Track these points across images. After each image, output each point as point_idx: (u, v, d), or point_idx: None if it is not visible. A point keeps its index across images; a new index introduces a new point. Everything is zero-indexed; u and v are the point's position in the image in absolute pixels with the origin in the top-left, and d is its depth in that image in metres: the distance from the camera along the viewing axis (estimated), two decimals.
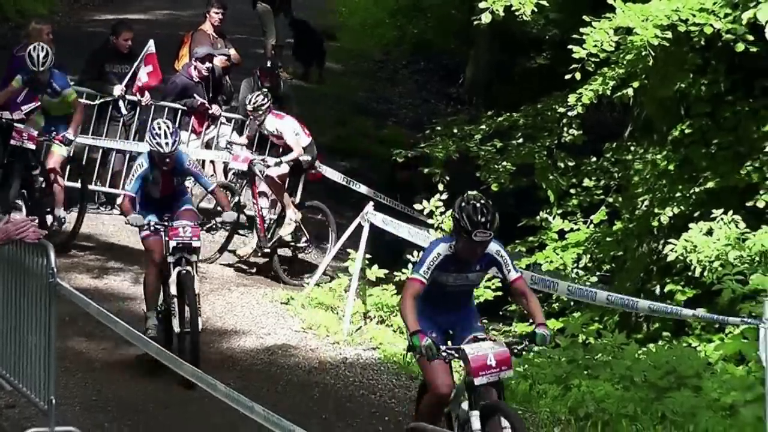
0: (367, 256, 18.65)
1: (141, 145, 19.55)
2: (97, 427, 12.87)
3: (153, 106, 22.10)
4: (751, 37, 17.26)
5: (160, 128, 13.34)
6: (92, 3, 35.84)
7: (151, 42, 22.60)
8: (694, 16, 17.58)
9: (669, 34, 17.86)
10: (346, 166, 21.97)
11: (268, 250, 20.54)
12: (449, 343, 10.07)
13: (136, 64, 21.93)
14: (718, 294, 16.91)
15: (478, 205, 9.50)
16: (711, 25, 17.39)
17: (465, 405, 9.68)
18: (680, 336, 17.67)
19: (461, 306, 10.49)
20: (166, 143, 13.11)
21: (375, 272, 18.86)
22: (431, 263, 9.63)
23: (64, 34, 24.53)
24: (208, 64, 22.43)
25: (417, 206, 20.70)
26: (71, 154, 20.56)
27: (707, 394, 14.51)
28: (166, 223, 13.53)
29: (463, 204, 9.48)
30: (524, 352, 10.68)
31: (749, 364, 15.32)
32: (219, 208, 16.68)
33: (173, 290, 13.33)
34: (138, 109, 22.14)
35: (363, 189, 21.14)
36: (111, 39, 22.50)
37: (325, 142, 22.03)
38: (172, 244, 13.48)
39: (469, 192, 9.93)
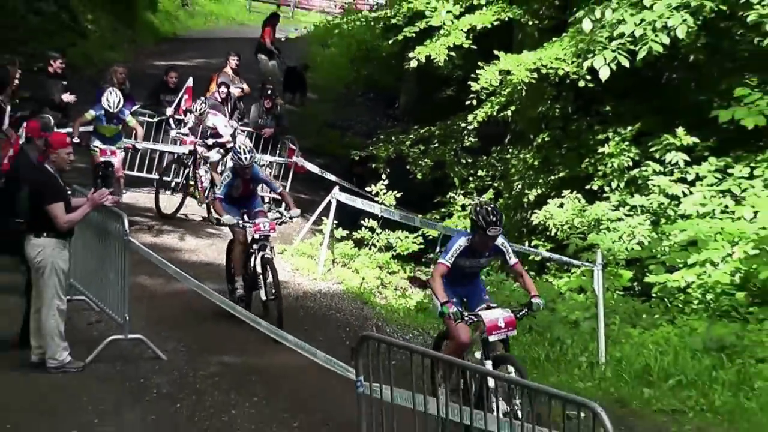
0: (334, 221, 20.39)
1: (183, 148, 23.17)
2: (157, 335, 14.49)
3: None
4: (589, 77, 19.30)
5: (241, 148, 15.27)
6: (152, 53, 37.90)
7: (190, 79, 25.01)
8: (551, 62, 19.65)
9: (535, 75, 19.85)
10: (320, 162, 23.25)
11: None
12: (463, 307, 11.09)
13: (180, 94, 23.96)
14: (566, 247, 18.80)
15: (489, 208, 10.93)
16: (563, 69, 19.56)
17: (478, 355, 10.82)
18: (542, 275, 19.11)
19: (473, 282, 11.77)
20: (245, 158, 14.80)
21: (339, 232, 20.85)
22: (455, 252, 11.01)
23: (133, 74, 25.79)
24: (223, 89, 24.26)
25: (367, 189, 21.99)
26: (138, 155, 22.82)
27: (559, 313, 16.61)
28: (249, 222, 14.92)
29: (479, 208, 10.90)
30: (525, 317, 11.49)
31: (587, 293, 16.90)
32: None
33: (259, 269, 14.80)
34: (182, 124, 23.33)
35: (332, 177, 22.59)
36: (164, 78, 24.75)
37: (307, 146, 24.27)
38: (256, 236, 14.99)
39: (482, 199, 12.34)
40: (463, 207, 22.22)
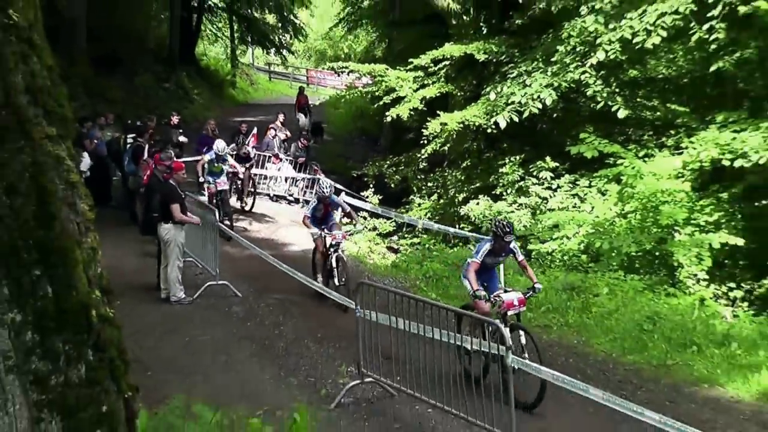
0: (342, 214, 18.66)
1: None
2: (235, 282, 14.46)
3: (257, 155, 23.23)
4: (493, 127, 18.80)
5: (324, 184, 14.93)
6: (232, 112, 37.01)
7: (255, 128, 24.40)
8: (471, 118, 19.42)
9: (461, 125, 19.77)
10: (333, 178, 22.10)
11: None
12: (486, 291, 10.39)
13: (248, 138, 23.07)
14: (481, 228, 18.33)
15: (505, 222, 10.49)
16: (478, 122, 19.35)
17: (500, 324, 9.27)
18: (465, 245, 18.29)
19: (492, 273, 11.06)
20: (327, 191, 14.19)
21: (344, 221, 18.68)
22: (483, 253, 10.38)
23: (221, 126, 24.95)
24: (273, 132, 24.19)
25: (362, 194, 21.53)
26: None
27: None
28: (325, 231, 14.12)
29: (498, 222, 10.48)
30: (531, 297, 10.67)
31: None
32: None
33: (334, 263, 14.01)
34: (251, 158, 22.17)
35: (340, 187, 20.92)
36: (238, 127, 23.66)
37: (324, 168, 23.34)
38: (333, 242, 14.17)
39: (499, 216, 11.60)
40: (419, 205, 22.09)
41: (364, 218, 20.70)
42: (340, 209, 16.29)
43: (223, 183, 18.68)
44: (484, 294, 10.07)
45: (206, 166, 18.77)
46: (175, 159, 15.17)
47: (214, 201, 18.10)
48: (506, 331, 8.89)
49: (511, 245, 10.63)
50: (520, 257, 10.90)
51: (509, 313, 9.99)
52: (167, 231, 13.41)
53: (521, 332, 9.75)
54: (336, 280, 14.01)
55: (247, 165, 21.67)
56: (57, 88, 4.02)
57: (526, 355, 9.35)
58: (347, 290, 13.07)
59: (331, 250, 14.19)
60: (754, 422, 9.44)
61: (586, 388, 8.05)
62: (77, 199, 4.05)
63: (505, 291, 10.40)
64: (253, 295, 14.38)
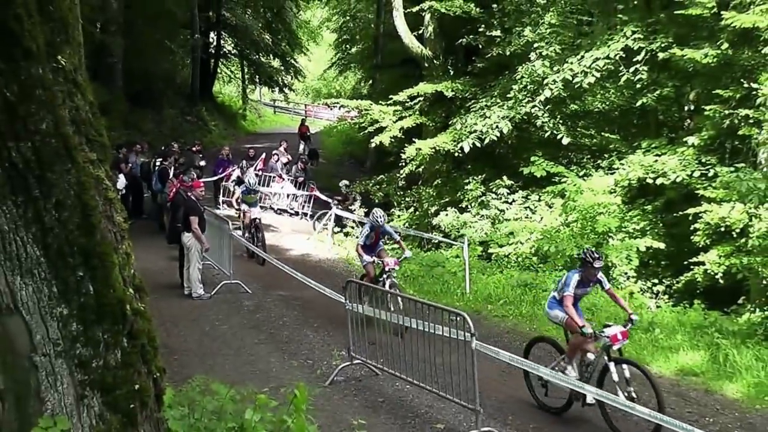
0: (334, 223, 19.83)
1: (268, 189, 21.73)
2: (246, 280, 14.48)
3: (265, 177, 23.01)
4: (460, 151, 19.06)
5: (378, 213, 12.45)
6: (243, 140, 36.93)
7: (264, 153, 24.34)
8: (442, 144, 19.49)
9: (433, 150, 19.87)
10: (327, 194, 22.13)
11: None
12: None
13: (256, 163, 23.19)
14: (450, 235, 18.24)
15: (594, 250, 9.02)
16: (447, 147, 19.34)
17: (604, 358, 8.35)
18: (437, 250, 18.44)
19: (577, 305, 9.10)
20: (380, 220, 12.15)
21: (335, 230, 19.83)
22: (573, 284, 8.66)
23: (233, 151, 25.17)
24: (276, 157, 23.95)
25: (351, 207, 21.00)
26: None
27: (447, 268, 16.24)
28: (375, 259, 12.24)
29: (586, 250, 8.84)
30: (630, 329, 8.73)
31: (460, 258, 16.11)
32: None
33: (387, 287, 11.50)
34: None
35: (333, 202, 20.83)
36: (248, 152, 24.25)
37: (320, 187, 23.12)
38: (387, 269, 11.97)
39: (587, 247, 10.14)
40: (399, 216, 21.96)
41: (352, 227, 20.47)
42: (383, 237, 13.46)
43: (256, 212, 17.01)
44: (591, 332, 8.38)
45: (241, 197, 17.38)
46: (195, 179, 15.10)
47: (251, 228, 16.83)
48: (612, 366, 8.15)
49: (599, 275, 9.00)
50: (607, 285, 9.11)
51: (615, 347, 8.31)
52: (189, 239, 13.35)
53: (624, 366, 8.25)
54: (392, 306, 11.21)
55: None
56: (97, 120, 4.05)
57: (631, 389, 8.07)
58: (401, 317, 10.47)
59: (384, 276, 12.09)
60: (674, 393, 9.51)
61: (537, 368, 8.00)
62: (114, 212, 4.08)
63: (606, 325, 8.63)
64: (260, 292, 14.29)
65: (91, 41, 23.63)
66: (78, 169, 3.72)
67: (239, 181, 18.76)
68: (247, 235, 16.71)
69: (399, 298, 10.81)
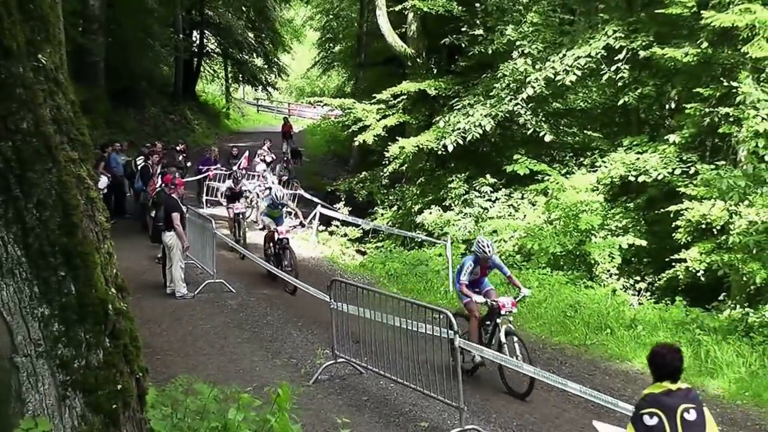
0: (319, 222, 19.71)
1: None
2: (230, 279, 14.32)
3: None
4: (443, 149, 19.00)
5: (484, 242, 9.81)
6: (227, 139, 36.32)
7: (247, 152, 24.13)
8: (425, 142, 19.41)
9: (416, 148, 19.81)
10: (311, 193, 22.17)
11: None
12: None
13: (239, 161, 22.76)
14: (433, 233, 18.18)
15: (485, 242, 9.60)
16: (431, 145, 19.21)
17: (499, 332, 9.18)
18: (420, 248, 18.26)
19: (483, 281, 9.93)
20: (487, 250, 9.68)
21: (320, 228, 19.90)
22: (467, 272, 9.52)
23: (220, 149, 25.15)
24: (261, 156, 23.60)
25: (335, 206, 21.21)
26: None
27: (431, 267, 16.29)
28: (483, 299, 9.62)
29: (478, 243, 9.60)
30: (520, 301, 9.89)
31: (443, 256, 16.19)
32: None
33: (503, 338, 9.23)
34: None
35: (317, 200, 21.12)
36: (231, 151, 24.06)
37: (304, 185, 23.15)
38: (503, 312, 9.44)
39: (480, 237, 10.08)
40: (383, 215, 21.97)
41: (337, 226, 20.58)
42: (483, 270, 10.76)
43: (283, 229, 14.62)
44: (482, 300, 9.46)
45: (265, 210, 15.37)
46: (178, 177, 15.26)
47: (275, 248, 14.71)
48: (502, 336, 8.93)
49: (495, 261, 9.87)
50: (507, 272, 9.94)
51: (502, 312, 9.19)
52: (170, 238, 13.21)
53: (515, 338, 9.14)
54: (513, 357, 9.10)
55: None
56: (79, 119, 4.03)
57: (519, 356, 8.88)
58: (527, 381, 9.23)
59: (498, 320, 9.59)
60: (484, 324, 9.72)
61: (520, 366, 8.12)
62: (96, 212, 4.06)
63: (497, 295, 9.69)
64: (244, 291, 14.21)
65: (72, 40, 23.54)
66: (59, 168, 3.71)
67: (235, 181, 18.22)
68: (269, 251, 15.02)
69: (517, 345, 9.18)
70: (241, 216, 17.43)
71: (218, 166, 22.18)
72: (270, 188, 17.58)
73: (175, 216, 13.18)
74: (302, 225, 16.49)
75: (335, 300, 9.70)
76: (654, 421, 4.62)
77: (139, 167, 19.22)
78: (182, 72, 39.66)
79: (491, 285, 10.36)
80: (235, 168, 21.70)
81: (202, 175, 22.23)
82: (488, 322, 9.73)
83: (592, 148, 18.51)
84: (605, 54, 16.81)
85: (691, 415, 4.62)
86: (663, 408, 4.67)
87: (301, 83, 57.75)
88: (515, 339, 9.24)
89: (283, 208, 15.72)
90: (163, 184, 14.49)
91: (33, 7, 3.69)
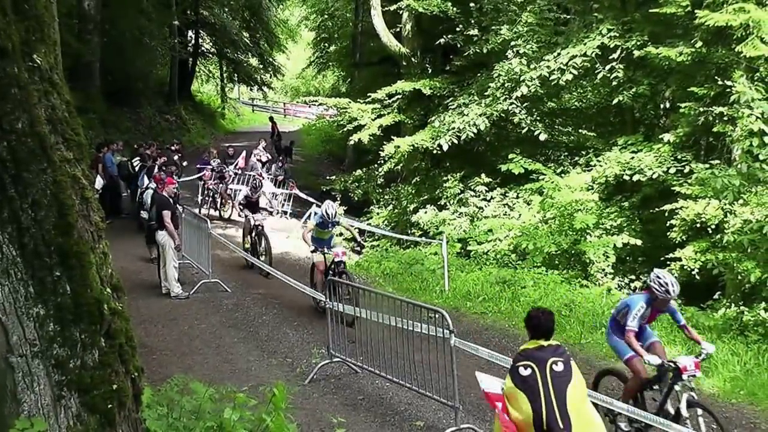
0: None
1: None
2: (225, 279, 14.45)
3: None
4: (438, 149, 19.00)
5: (665, 278, 7.38)
6: (222, 139, 36.43)
7: (244, 152, 24.43)
8: (420, 141, 19.38)
9: (411, 148, 19.72)
10: (306, 192, 22.28)
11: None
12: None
13: (236, 160, 23.31)
14: (428, 233, 18.28)
15: (669, 280, 7.39)
16: (426, 144, 19.20)
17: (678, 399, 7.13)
18: (416, 247, 18.23)
19: (648, 333, 7.91)
20: (672, 290, 7.28)
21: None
22: (637, 317, 7.38)
23: (217, 149, 24.61)
24: (256, 157, 23.92)
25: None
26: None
27: (426, 266, 16.28)
28: (659, 359, 7.27)
29: (660, 279, 7.38)
30: (703, 359, 7.32)
31: (438, 255, 16.05)
32: None
33: (684, 405, 7.05)
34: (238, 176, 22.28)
35: (311, 199, 21.11)
36: (227, 151, 24.19)
37: (299, 185, 23.25)
38: (684, 376, 7.09)
39: (657, 271, 7.57)
40: (378, 214, 22.00)
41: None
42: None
43: (340, 254, 12.31)
44: (652, 358, 7.27)
45: (312, 230, 12.63)
46: (174, 177, 15.41)
47: (329, 274, 11.96)
48: (683, 407, 7.03)
49: (671, 306, 7.73)
50: (682, 320, 7.84)
51: (683, 377, 7.11)
52: (163, 237, 13.31)
53: (700, 410, 7.08)
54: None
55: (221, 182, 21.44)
56: (74, 119, 4.03)
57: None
58: None
59: (677, 386, 7.26)
60: (648, 387, 9.49)
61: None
62: (91, 212, 4.06)
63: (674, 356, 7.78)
64: (240, 291, 14.23)
65: (67, 40, 23.50)
66: (54, 168, 3.70)
67: (254, 188, 16.99)
68: (320, 279, 12.46)
69: (703, 423, 6.99)
70: (262, 228, 15.74)
71: (209, 166, 22.09)
72: (317, 204, 14.56)
73: (166, 214, 13.23)
74: (361, 246, 14.79)
75: (331, 299, 9.70)
76: (528, 371, 5.33)
77: (136, 168, 19.25)
78: (178, 72, 39.68)
79: (657, 336, 8.27)
80: (231, 168, 21.80)
81: (197, 176, 22.25)
82: (656, 387, 7.68)
83: (587, 148, 18.50)
84: (600, 53, 16.80)
85: (559, 367, 5.32)
86: (535, 360, 5.36)
87: (297, 83, 57.74)
88: (700, 412, 7.08)
89: (335, 228, 13.33)
90: (154, 183, 14.65)
91: (28, 7, 3.69)
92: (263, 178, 22.06)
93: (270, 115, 41.52)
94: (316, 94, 42.73)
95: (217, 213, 21.69)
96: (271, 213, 22.64)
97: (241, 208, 16.28)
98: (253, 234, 15.54)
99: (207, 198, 22.09)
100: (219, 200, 21.85)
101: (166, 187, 13.85)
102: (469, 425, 8.04)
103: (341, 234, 17.35)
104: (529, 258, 15.77)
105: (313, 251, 12.63)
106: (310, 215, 16.69)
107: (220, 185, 21.47)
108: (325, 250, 12.60)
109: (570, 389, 5.27)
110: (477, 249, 17.01)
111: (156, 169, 17.90)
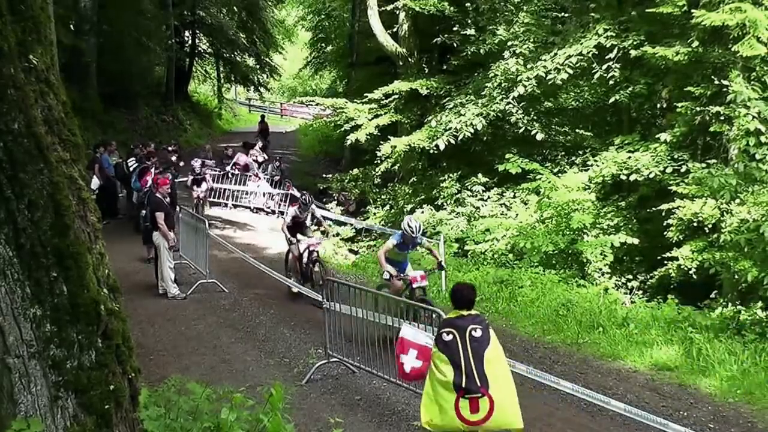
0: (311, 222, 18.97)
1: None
2: (222, 279, 14.44)
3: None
4: (435, 148, 18.78)
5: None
6: (219, 139, 36.57)
7: (239, 152, 24.28)
8: (417, 141, 19.27)
9: (408, 147, 19.65)
10: (303, 192, 22.09)
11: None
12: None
13: (233, 161, 23.35)
14: (426, 232, 17.05)
15: (413, 222, 10.35)
16: (423, 144, 19.11)
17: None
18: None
19: (404, 263, 10.70)
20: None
21: (313, 228, 17.81)
22: (393, 243, 10.16)
23: (213, 148, 25.59)
24: (252, 157, 24.23)
25: (327, 205, 21.35)
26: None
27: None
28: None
29: (408, 222, 10.28)
30: (432, 272, 11.01)
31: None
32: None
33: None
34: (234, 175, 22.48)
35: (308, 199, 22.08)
36: (224, 151, 24.22)
37: (296, 184, 22.90)
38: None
39: (409, 217, 10.64)
40: (375, 214, 21.98)
41: (330, 225, 20.27)
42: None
43: (419, 278, 10.66)
44: (393, 272, 10.23)
45: (394, 248, 10.76)
46: (170, 178, 15.24)
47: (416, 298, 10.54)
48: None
49: (420, 240, 10.65)
50: (427, 244, 10.68)
51: (414, 286, 10.12)
52: (157, 237, 13.36)
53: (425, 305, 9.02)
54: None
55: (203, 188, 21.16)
56: (70, 119, 4.03)
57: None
58: None
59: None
60: (648, 388, 9.61)
61: (513, 364, 8.05)
62: (87, 212, 4.06)
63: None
64: (237, 291, 14.23)
65: (64, 41, 23.48)
66: (51, 168, 3.70)
67: (303, 206, 14.73)
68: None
69: None
70: (317, 254, 14.01)
71: (205, 168, 21.97)
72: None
73: (159, 215, 13.26)
74: (441, 267, 12.07)
75: (328, 299, 9.70)
76: (449, 337, 6.12)
77: (131, 169, 19.15)
78: (174, 73, 39.63)
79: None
80: (228, 168, 21.80)
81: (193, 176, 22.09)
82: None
83: (584, 147, 18.50)
84: (596, 53, 16.81)
85: (478, 333, 6.10)
86: (456, 328, 6.16)
87: (294, 83, 57.75)
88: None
89: (412, 249, 11.34)
90: (153, 185, 14.53)
91: (24, 8, 3.69)
92: (259, 178, 22.11)
93: (262, 114, 41.56)
94: (313, 94, 42.77)
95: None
96: (268, 214, 22.84)
97: (287, 230, 13.76)
98: (305, 260, 13.65)
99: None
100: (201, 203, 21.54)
101: (159, 188, 13.85)
102: None
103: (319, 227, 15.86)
104: (526, 258, 15.77)
105: (388, 279, 10.73)
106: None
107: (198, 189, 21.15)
108: (403, 275, 10.83)
109: (487, 353, 6.03)
110: (474, 249, 17.01)
111: (153, 169, 17.95)
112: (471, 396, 5.89)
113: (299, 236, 14.03)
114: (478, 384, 5.89)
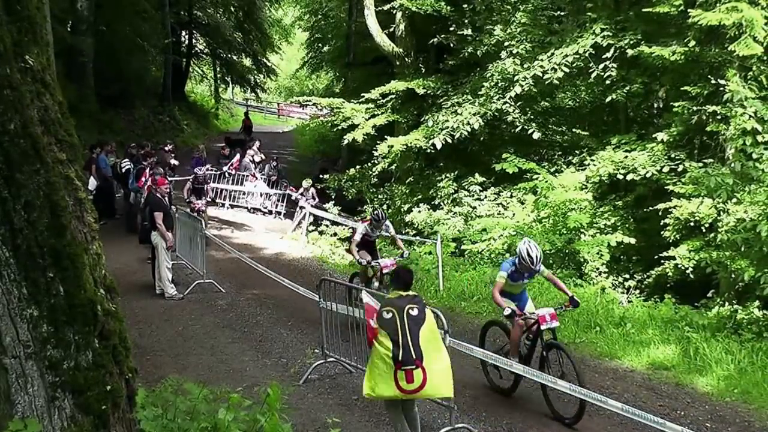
0: (310, 222, 19.92)
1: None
2: (219, 279, 14.58)
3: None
4: (432, 148, 18.90)
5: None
6: (215, 139, 36.06)
7: (237, 154, 24.40)
8: (414, 141, 19.36)
9: (405, 147, 19.70)
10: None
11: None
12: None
13: (231, 160, 23.50)
14: (422, 232, 18.32)
15: (528, 247, 8.63)
16: (419, 144, 19.18)
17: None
18: (411, 246, 16.99)
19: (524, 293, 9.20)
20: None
21: (310, 228, 19.88)
22: (504, 275, 8.60)
23: (207, 150, 25.00)
24: (250, 157, 23.99)
25: (325, 205, 20.59)
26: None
27: (420, 265, 16.12)
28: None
29: (523, 246, 8.68)
30: (564, 311, 9.27)
31: (433, 255, 16.24)
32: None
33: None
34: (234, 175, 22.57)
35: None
36: (221, 151, 24.70)
37: (293, 184, 22.82)
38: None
39: (527, 239, 8.95)
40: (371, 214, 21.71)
41: (327, 225, 20.40)
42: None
43: (549, 317, 8.63)
44: (513, 310, 8.58)
45: (506, 279, 8.96)
46: (167, 177, 15.32)
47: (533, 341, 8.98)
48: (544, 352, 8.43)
49: (538, 268, 8.80)
50: (546, 272, 9.15)
51: (542, 327, 8.48)
52: (155, 237, 13.34)
53: (554, 350, 8.49)
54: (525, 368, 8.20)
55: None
56: (67, 120, 4.03)
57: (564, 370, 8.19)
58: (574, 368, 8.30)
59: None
60: (645, 388, 9.65)
61: (511, 364, 8.03)
62: (84, 212, 4.06)
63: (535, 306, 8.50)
64: (234, 291, 14.28)
65: (61, 41, 23.47)
66: (47, 169, 3.70)
67: (375, 222, 13.02)
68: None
69: None
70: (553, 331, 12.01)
71: (202, 167, 21.83)
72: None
73: (158, 215, 13.26)
74: (576, 303, 9.34)
75: (324, 299, 9.71)
76: (389, 315, 6.63)
77: (123, 169, 19.21)
78: (171, 73, 39.59)
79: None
80: (225, 168, 21.78)
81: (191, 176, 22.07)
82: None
83: (581, 147, 18.52)
84: (593, 52, 16.83)
85: (414, 312, 6.63)
86: (395, 306, 6.67)
87: (291, 83, 57.80)
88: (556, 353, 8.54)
89: (528, 280, 9.46)
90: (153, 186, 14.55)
91: (20, 8, 3.69)
92: (256, 179, 22.10)
93: (246, 111, 41.61)
94: (310, 94, 42.71)
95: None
96: (265, 214, 22.82)
97: (357, 249, 12.64)
98: (374, 282, 12.25)
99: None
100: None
101: (158, 188, 13.85)
102: (463, 425, 8.03)
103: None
104: None
105: (508, 314, 8.79)
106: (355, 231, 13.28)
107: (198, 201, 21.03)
108: (522, 312, 8.99)
109: (423, 330, 6.59)
110: (471, 248, 17.00)
111: (149, 170, 17.94)
112: (407, 368, 6.49)
113: (368, 256, 12.58)
114: (414, 357, 6.49)
